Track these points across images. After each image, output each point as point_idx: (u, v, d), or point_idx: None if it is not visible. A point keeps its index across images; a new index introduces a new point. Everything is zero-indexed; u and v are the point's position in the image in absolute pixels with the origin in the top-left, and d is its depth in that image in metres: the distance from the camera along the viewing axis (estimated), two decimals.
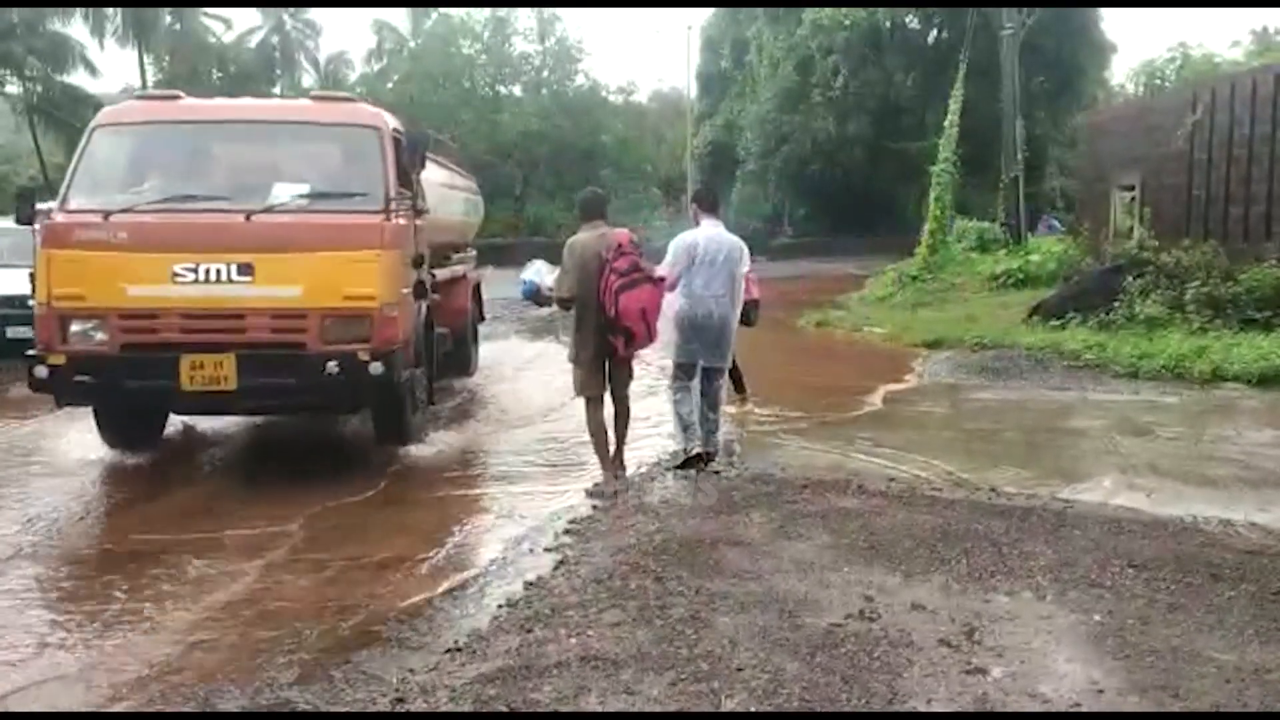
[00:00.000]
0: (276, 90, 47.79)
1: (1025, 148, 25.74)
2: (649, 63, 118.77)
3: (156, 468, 7.73)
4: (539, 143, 42.59)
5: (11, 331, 10.67)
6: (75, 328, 6.97)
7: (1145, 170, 17.51)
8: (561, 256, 6.89)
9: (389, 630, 4.37)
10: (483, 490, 7.34)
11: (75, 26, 41.56)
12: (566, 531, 5.65)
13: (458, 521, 6.40)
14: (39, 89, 39.94)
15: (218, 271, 6.85)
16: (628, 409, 7.16)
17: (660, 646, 3.94)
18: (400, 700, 3.63)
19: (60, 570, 5.60)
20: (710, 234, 6.99)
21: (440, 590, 4.99)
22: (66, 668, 4.26)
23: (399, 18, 52.83)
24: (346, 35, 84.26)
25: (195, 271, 6.85)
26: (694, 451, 6.87)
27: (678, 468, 6.83)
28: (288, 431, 9.01)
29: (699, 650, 3.90)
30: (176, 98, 8.15)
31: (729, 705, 3.50)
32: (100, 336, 6.96)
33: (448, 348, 9.73)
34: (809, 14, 39.15)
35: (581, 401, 7.07)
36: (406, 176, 7.50)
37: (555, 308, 7.32)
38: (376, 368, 6.89)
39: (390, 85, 47.02)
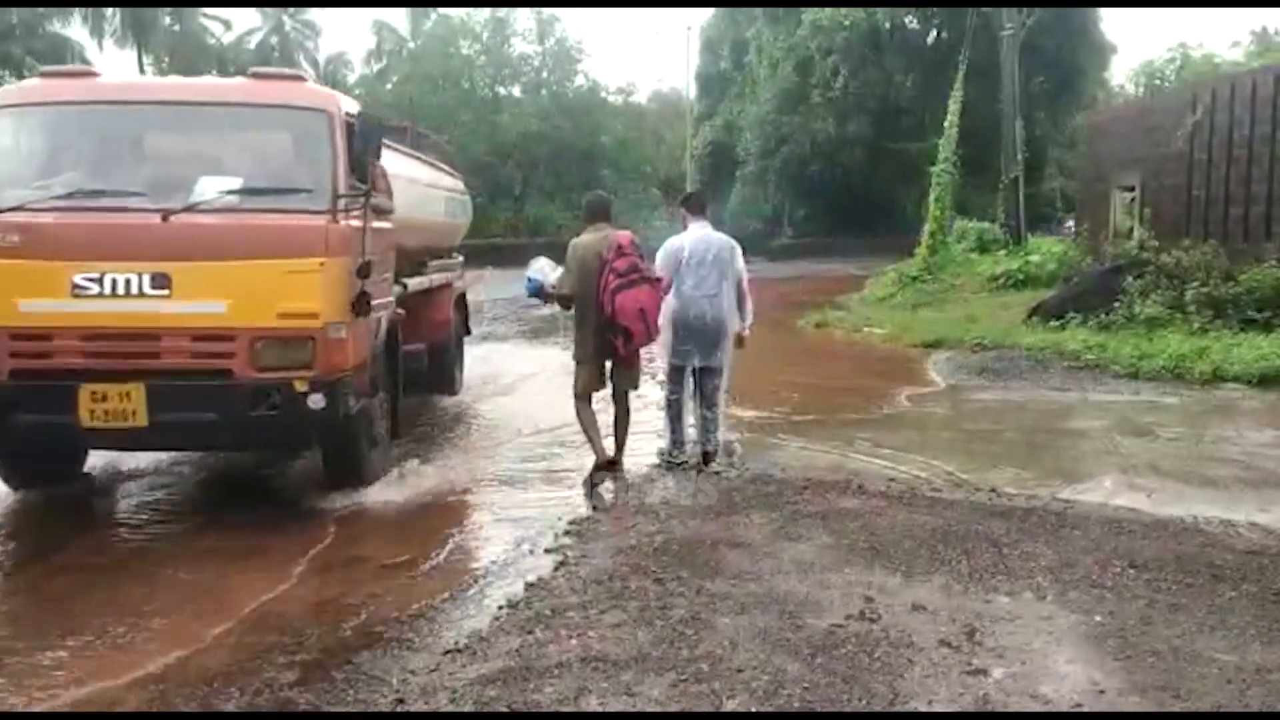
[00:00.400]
0: None
1: (1025, 148, 25.76)
2: (648, 63, 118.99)
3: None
4: (538, 144, 42.61)
5: None
6: None
7: (1145, 171, 17.51)
8: (564, 256, 6.99)
9: (390, 631, 4.37)
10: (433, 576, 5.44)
11: (74, 28, 41.63)
12: (567, 533, 5.64)
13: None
14: None
15: (127, 283, 5.67)
16: (628, 410, 7.18)
17: (661, 647, 3.94)
18: (400, 701, 3.63)
19: None
20: (697, 235, 7.12)
21: (440, 592, 4.97)
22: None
23: (398, 19, 52.98)
24: (346, 36, 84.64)
25: (100, 283, 5.67)
26: (679, 460, 7.08)
27: (661, 466, 7.09)
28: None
29: (699, 651, 3.90)
30: (91, 75, 7.14)
31: (730, 706, 3.50)
32: None
33: (423, 366, 8.76)
34: (808, 15, 39.21)
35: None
36: (363, 170, 6.17)
37: (558, 305, 7.34)
38: (317, 400, 5.76)
39: (390, 86, 47.13)
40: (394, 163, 7.56)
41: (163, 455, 7.46)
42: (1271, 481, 6.87)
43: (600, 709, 3.49)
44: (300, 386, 5.76)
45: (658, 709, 3.49)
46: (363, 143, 6.13)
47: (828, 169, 41.69)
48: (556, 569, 4.99)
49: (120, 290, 5.69)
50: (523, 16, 46.01)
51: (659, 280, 6.80)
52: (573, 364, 7.09)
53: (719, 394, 7.29)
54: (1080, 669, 3.79)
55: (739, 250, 7.24)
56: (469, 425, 9.25)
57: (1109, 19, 53.99)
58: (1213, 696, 3.57)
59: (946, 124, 24.76)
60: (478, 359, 11.95)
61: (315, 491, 6.62)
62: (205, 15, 48.43)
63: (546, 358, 12.34)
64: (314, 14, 54.47)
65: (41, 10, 39.70)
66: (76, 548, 5.85)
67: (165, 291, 5.70)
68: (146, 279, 5.70)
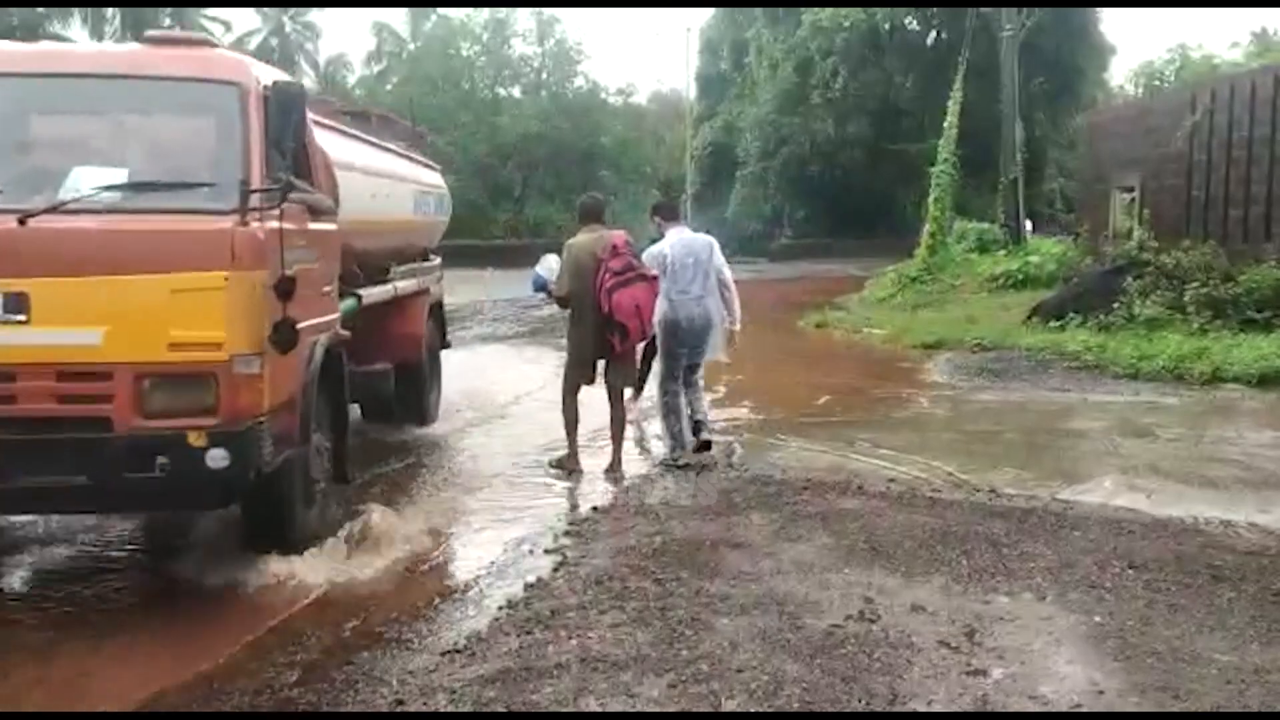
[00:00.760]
0: None
1: (1024, 149, 25.79)
2: (648, 64, 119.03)
3: None
4: (538, 145, 42.60)
5: None
6: None
7: (1145, 171, 17.52)
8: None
9: (389, 631, 4.36)
10: None
11: (74, 29, 41.65)
12: (566, 533, 5.64)
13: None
14: None
15: None
16: (623, 410, 7.28)
17: (660, 648, 3.94)
18: (400, 702, 3.63)
19: None
20: (676, 240, 7.35)
21: (440, 593, 4.97)
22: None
23: (398, 20, 52.94)
24: (346, 38, 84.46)
25: None
26: (681, 461, 7.16)
27: (675, 468, 7.11)
28: None
29: (699, 652, 3.90)
30: None
31: (729, 707, 3.50)
32: None
33: (387, 389, 7.41)
34: (808, 15, 39.20)
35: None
36: (289, 156, 4.89)
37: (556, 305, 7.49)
38: (218, 457, 4.43)
39: (390, 88, 47.11)
40: (349, 151, 6.75)
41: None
42: (1271, 482, 6.87)
43: (599, 709, 3.49)
44: (196, 440, 4.43)
45: (657, 710, 3.49)
46: (280, 120, 4.78)
47: (827, 170, 41.69)
48: (556, 570, 4.99)
49: None
50: (523, 17, 46.06)
51: (654, 278, 6.97)
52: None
53: (700, 382, 7.70)
54: (1080, 669, 3.79)
55: (717, 246, 7.48)
56: (440, 466, 7.64)
57: (1108, 20, 53.97)
58: (1212, 697, 3.57)
59: (946, 125, 24.76)
60: (470, 370, 11.74)
61: (230, 561, 5.16)
62: (205, 17, 48.38)
63: (547, 371, 10.97)
64: (314, 15, 54.48)
65: (41, 10, 39.73)
66: None
67: (21, 317, 4.42)
68: None
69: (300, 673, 4.00)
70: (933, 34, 41.08)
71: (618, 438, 7.21)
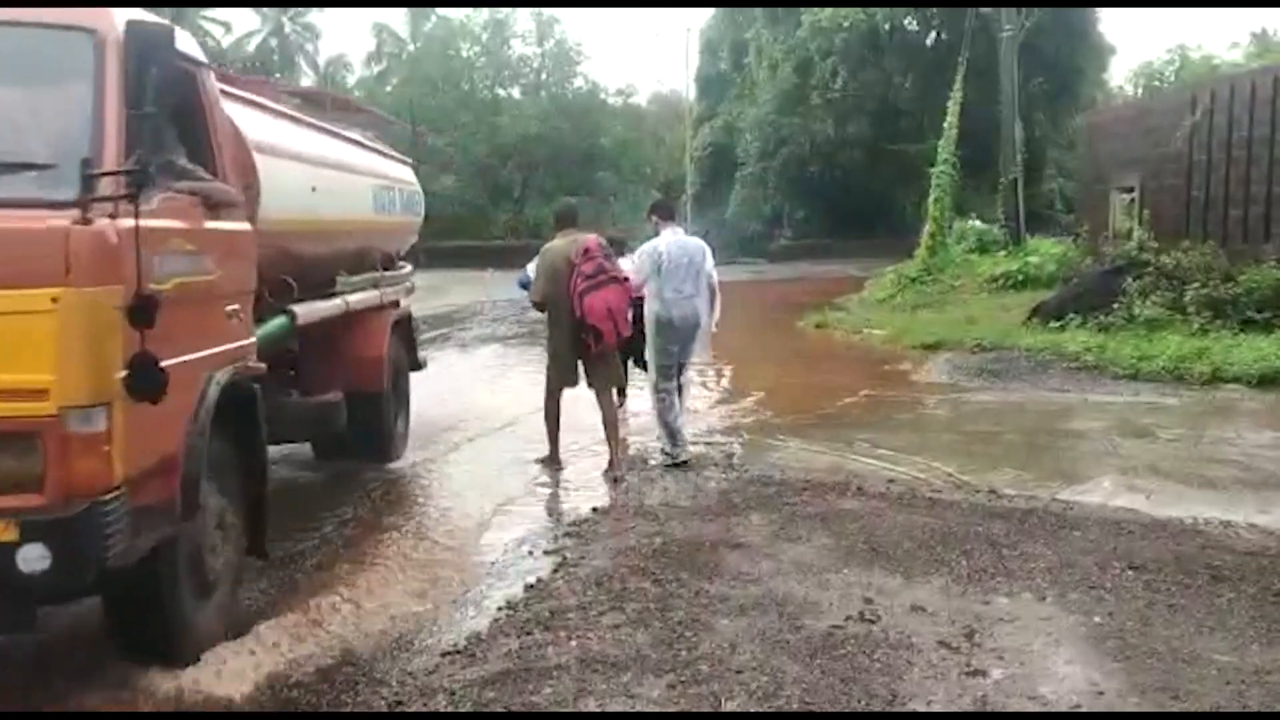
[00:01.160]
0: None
1: (1024, 149, 25.77)
2: (648, 65, 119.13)
3: None
4: (538, 145, 42.63)
5: None
6: None
7: (1144, 172, 17.52)
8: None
9: (389, 632, 4.36)
10: None
11: None
12: (566, 534, 5.65)
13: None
14: None
15: None
16: (613, 412, 7.41)
17: (660, 649, 3.95)
18: (399, 702, 3.63)
19: None
20: (672, 240, 7.44)
21: (440, 593, 4.97)
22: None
23: (398, 21, 52.99)
24: (346, 38, 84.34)
25: None
26: (681, 459, 7.25)
27: (669, 467, 7.21)
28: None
29: (699, 653, 3.91)
30: None
31: (729, 707, 3.50)
32: None
33: (338, 423, 6.32)
34: (807, 16, 39.18)
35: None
36: (169, 128, 3.82)
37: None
38: (33, 558, 3.14)
39: (390, 88, 47.14)
40: (279, 133, 5.68)
41: None
42: (1271, 483, 6.87)
43: (599, 710, 3.49)
44: (4, 534, 3.13)
45: (657, 710, 3.49)
46: (138, 74, 3.40)
47: (827, 170, 41.67)
48: (555, 571, 4.99)
49: None
50: (522, 18, 46.12)
51: (626, 280, 7.11)
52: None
53: (687, 381, 7.91)
54: (1079, 670, 3.79)
55: (709, 252, 7.64)
56: (400, 524, 6.01)
57: (1108, 20, 54.06)
58: (1211, 697, 3.57)
59: (946, 125, 24.77)
60: (465, 374, 11.59)
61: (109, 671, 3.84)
62: (205, 17, 48.43)
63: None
64: (314, 16, 54.54)
65: None
66: None
67: None
68: None
69: (299, 673, 3.98)
70: (932, 34, 41.07)
71: (613, 437, 7.30)
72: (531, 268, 7.59)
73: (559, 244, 7.20)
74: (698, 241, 7.72)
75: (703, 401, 10.21)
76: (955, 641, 4.02)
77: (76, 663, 3.96)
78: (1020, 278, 19.51)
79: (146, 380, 3.26)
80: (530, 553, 5.41)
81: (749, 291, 26.31)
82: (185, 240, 3.85)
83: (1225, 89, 15.22)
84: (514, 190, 43.76)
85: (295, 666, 3.97)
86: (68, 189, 3.29)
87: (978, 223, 25.14)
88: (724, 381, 11.62)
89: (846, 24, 37.88)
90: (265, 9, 52.48)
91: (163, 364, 3.27)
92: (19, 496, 3.18)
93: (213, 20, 49.15)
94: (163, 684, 3.73)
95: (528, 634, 4.14)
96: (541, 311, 7.36)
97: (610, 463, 7.18)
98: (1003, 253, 22.50)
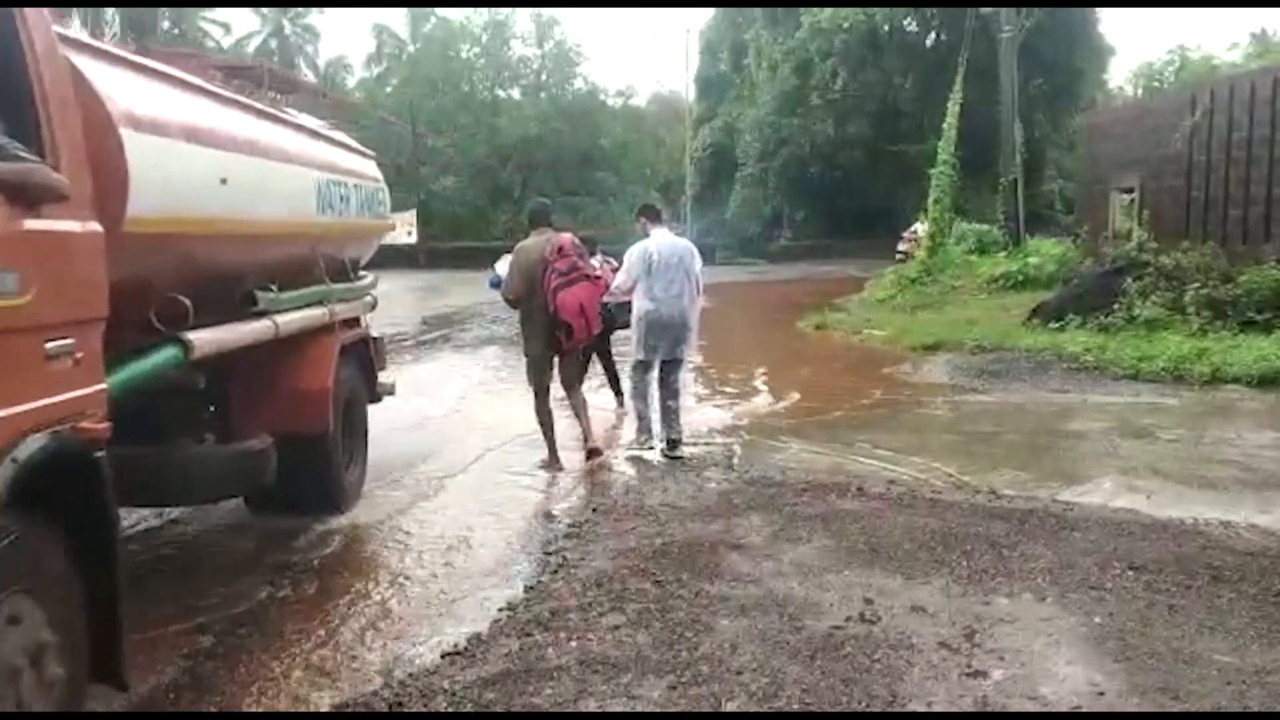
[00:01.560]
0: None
1: (1024, 150, 25.77)
2: (648, 66, 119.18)
3: None
4: (538, 146, 42.69)
5: None
6: None
7: (1144, 172, 17.52)
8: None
9: (389, 633, 4.36)
10: None
11: (74, 30, 41.64)
12: (566, 535, 5.64)
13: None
14: None
15: None
16: (582, 400, 7.73)
17: (660, 650, 3.94)
18: (399, 704, 3.63)
19: None
20: (661, 241, 7.72)
21: (440, 594, 4.96)
22: None
23: (398, 22, 53.03)
24: (346, 40, 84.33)
25: None
26: (648, 447, 7.66)
27: (668, 467, 7.40)
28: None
29: (699, 653, 3.90)
30: None
31: (729, 708, 3.50)
32: None
33: (266, 473, 5.09)
34: (807, 17, 39.26)
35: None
36: None
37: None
38: None
39: (389, 89, 47.15)
40: (170, 106, 4.35)
41: None
42: (1271, 483, 6.86)
43: (599, 711, 3.49)
44: None
45: (657, 711, 3.48)
46: None
47: (827, 171, 41.74)
48: (556, 571, 4.98)
49: None
50: (522, 19, 46.21)
51: (599, 278, 7.39)
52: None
53: (679, 384, 7.94)
54: (1080, 671, 3.79)
55: (697, 253, 7.87)
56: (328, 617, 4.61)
57: (1107, 20, 54.07)
58: (1212, 698, 3.57)
59: (945, 126, 24.77)
60: (458, 380, 11.59)
61: None
62: (204, 18, 48.52)
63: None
64: (313, 18, 54.63)
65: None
66: None
67: None
68: None
69: (301, 673, 3.98)
70: (932, 35, 41.14)
71: (583, 416, 7.62)
72: (499, 267, 7.82)
73: (532, 242, 7.38)
74: (685, 242, 7.97)
75: (703, 402, 10.20)
76: (956, 642, 4.01)
77: None
78: (1020, 278, 19.49)
79: None
80: (530, 554, 5.40)
81: (749, 292, 26.35)
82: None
83: (1225, 89, 15.22)
84: (514, 191, 43.77)
85: None
86: None
87: (973, 225, 25.13)
88: (725, 383, 11.61)
89: (846, 25, 37.96)
90: (264, 10, 52.52)
91: None
92: None
93: (213, 22, 49.24)
94: None
95: (528, 635, 4.14)
96: (515, 308, 7.59)
97: (583, 434, 7.54)
98: (1002, 253, 22.50)
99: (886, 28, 39.76)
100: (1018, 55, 24.46)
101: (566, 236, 7.40)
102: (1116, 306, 13.26)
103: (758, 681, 3.67)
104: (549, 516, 6.22)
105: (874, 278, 24.19)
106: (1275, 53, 37.03)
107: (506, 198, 43.28)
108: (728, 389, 11.20)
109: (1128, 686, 3.65)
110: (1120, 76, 51.17)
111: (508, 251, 7.78)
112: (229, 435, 5.07)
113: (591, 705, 3.52)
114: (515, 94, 46.96)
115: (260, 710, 3.67)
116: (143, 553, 5.38)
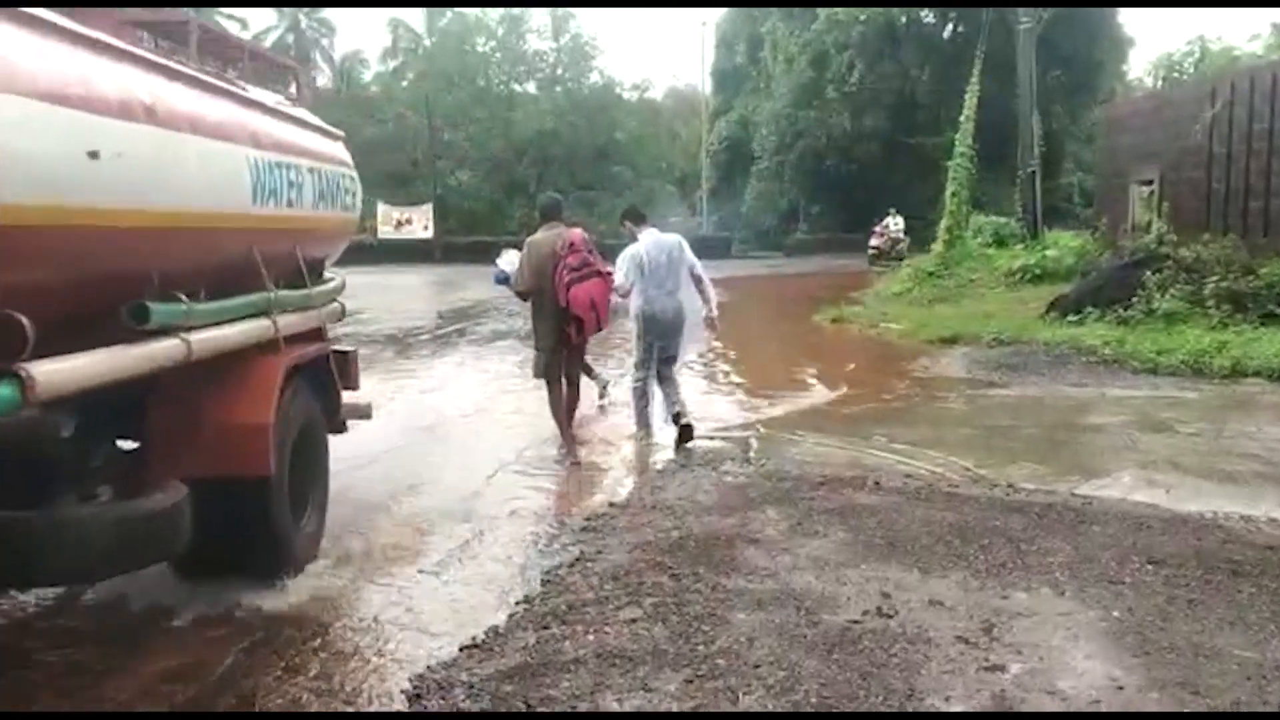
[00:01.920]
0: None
1: (1042, 142, 25.60)
2: (663, 59, 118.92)
3: None
4: (553, 140, 42.63)
5: None
6: None
7: (1164, 164, 17.40)
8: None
9: (407, 626, 4.38)
10: None
11: None
12: (583, 529, 5.65)
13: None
14: None
15: None
16: (578, 392, 8.02)
17: (677, 643, 3.95)
18: (417, 697, 3.64)
19: None
20: (649, 241, 7.85)
21: (456, 587, 4.98)
22: None
23: (414, 16, 53.04)
24: (362, 34, 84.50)
25: None
26: (643, 441, 7.86)
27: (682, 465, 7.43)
28: None
29: (716, 647, 3.91)
30: None
31: (746, 702, 3.50)
32: None
33: (178, 531, 3.86)
34: (824, 9, 39.06)
35: None
36: None
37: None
38: None
39: (405, 84, 47.21)
40: (37, 59, 3.23)
41: None
42: None
43: (616, 705, 3.49)
44: None
45: (674, 705, 3.49)
46: None
47: (843, 164, 41.55)
48: (573, 565, 4.99)
49: None
50: (537, 13, 46.08)
51: (609, 273, 7.49)
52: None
53: (674, 370, 8.11)
54: (1098, 665, 3.77)
55: (686, 244, 8.01)
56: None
57: (1126, 12, 53.58)
58: (1232, 693, 3.55)
59: (963, 118, 24.62)
60: (455, 385, 11.56)
61: None
62: (221, 15, 48.65)
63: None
64: (330, 12, 54.72)
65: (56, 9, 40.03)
66: None
67: None
68: None
69: (315, 669, 4.01)
70: (949, 27, 40.87)
71: (572, 409, 7.86)
72: (502, 262, 7.99)
73: (543, 237, 7.50)
74: (674, 237, 8.10)
75: (720, 395, 10.21)
76: (973, 636, 4.00)
77: None
78: (1038, 271, 19.36)
79: None
80: (547, 547, 5.42)
81: (766, 286, 26.32)
82: None
83: (1245, 81, 15.10)
84: (529, 185, 43.71)
85: None
86: None
87: (991, 218, 25.02)
88: (741, 375, 11.61)
89: (863, 17, 37.75)
90: (282, 7, 52.71)
91: None
92: None
93: (229, 17, 49.30)
94: None
95: (545, 628, 4.15)
96: (525, 300, 7.74)
97: (565, 449, 7.59)
98: (1020, 246, 22.37)
99: (903, 20, 39.53)
100: (1036, 47, 24.28)
101: (577, 232, 7.53)
102: (1135, 299, 13.17)
103: (774, 675, 3.67)
104: (565, 510, 6.23)
105: (890, 271, 24.08)
106: None
107: (522, 192, 43.24)
108: (744, 382, 11.20)
109: (1147, 681, 3.64)
110: (1140, 68, 50.69)
111: (511, 246, 7.89)
112: (139, 486, 3.95)
113: (608, 699, 3.53)
114: (531, 88, 46.89)
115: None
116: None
